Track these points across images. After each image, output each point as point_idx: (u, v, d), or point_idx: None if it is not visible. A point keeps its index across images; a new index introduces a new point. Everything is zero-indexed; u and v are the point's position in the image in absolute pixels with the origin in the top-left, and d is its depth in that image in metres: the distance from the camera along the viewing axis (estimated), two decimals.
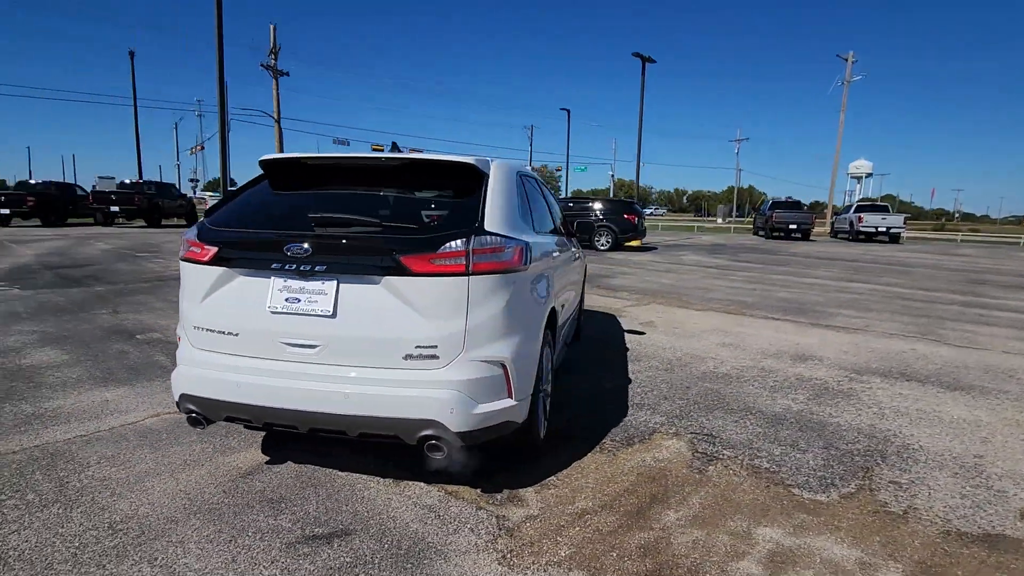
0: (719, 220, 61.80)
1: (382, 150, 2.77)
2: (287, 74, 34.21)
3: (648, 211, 78.43)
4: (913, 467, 2.92)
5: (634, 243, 18.23)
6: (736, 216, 66.11)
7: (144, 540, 2.12)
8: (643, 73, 25.38)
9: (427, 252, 2.18)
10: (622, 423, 3.41)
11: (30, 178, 28.28)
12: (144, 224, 23.43)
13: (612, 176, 66.71)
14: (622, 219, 16.53)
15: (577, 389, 4.02)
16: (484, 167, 2.68)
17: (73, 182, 30.49)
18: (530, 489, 2.61)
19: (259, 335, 2.28)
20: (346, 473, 2.69)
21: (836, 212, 31.47)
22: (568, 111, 43.50)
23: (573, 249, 4.52)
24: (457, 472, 2.64)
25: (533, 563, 2.06)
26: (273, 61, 33.03)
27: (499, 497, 2.53)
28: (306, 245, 2.21)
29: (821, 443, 3.19)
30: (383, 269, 2.18)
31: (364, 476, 2.67)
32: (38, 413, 3.33)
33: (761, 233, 28.37)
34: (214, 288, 2.35)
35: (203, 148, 47.40)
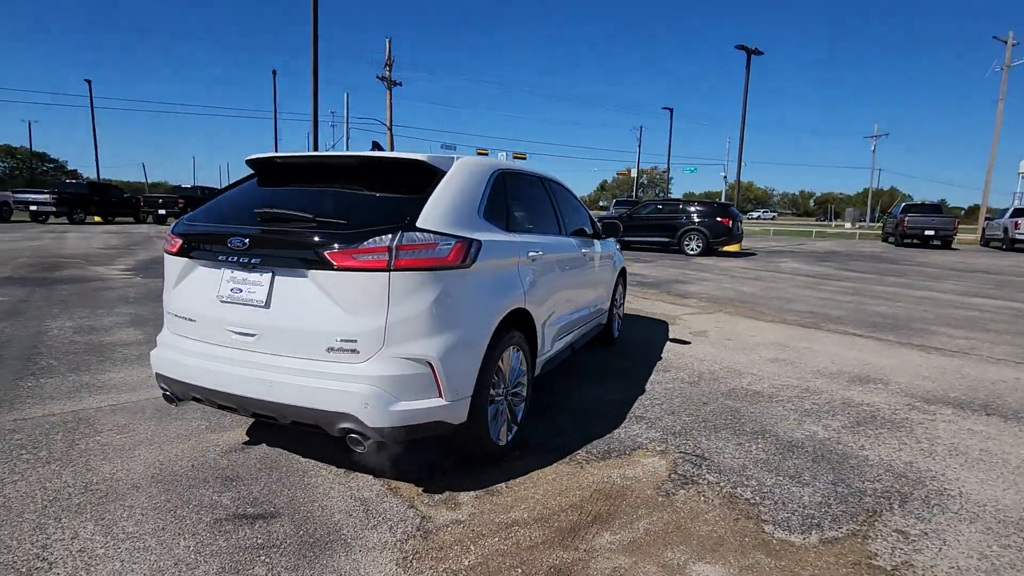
0: (847, 225, 56.04)
1: (381, 148, 2.84)
2: (400, 84, 36.38)
3: (755, 215, 72.38)
4: (936, 516, 2.44)
5: (732, 248, 17.12)
6: (870, 221, 59.40)
7: (103, 501, 2.36)
8: (747, 67, 23.63)
9: (349, 247, 2.20)
10: (608, 435, 3.21)
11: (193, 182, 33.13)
12: None
13: (724, 177, 62.77)
14: (715, 223, 15.56)
15: (578, 397, 3.85)
16: (441, 164, 2.66)
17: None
18: (472, 493, 2.54)
19: (211, 322, 2.45)
20: (307, 459, 2.80)
21: (990, 216, 27.15)
22: (671, 110, 41.75)
23: (593, 251, 4.34)
24: (413, 468, 2.64)
25: (430, 568, 2.01)
26: (388, 73, 35.30)
27: (437, 498, 2.49)
28: (246, 239, 2.34)
29: (831, 477, 2.77)
30: (309, 263, 2.24)
31: (322, 464, 2.76)
32: (90, 383, 3.83)
33: (891, 240, 25.29)
34: (181, 277, 2.56)
35: None
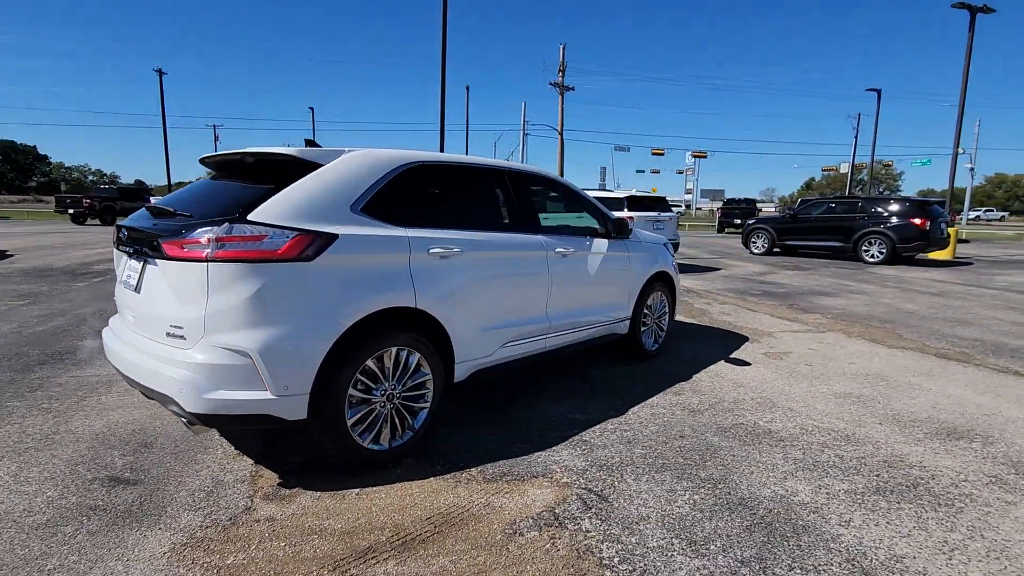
0: None
1: (317, 145, 2.95)
2: (572, 88, 36.81)
3: (972, 215, 55.75)
4: None
5: (937, 254, 13.85)
6: None
7: (41, 448, 2.82)
8: (971, 29, 18.53)
9: (179, 239, 2.30)
10: (524, 457, 2.84)
11: None
12: None
13: (971, 169, 50.70)
14: (905, 224, 12.68)
15: (534, 411, 3.47)
16: (317, 158, 2.63)
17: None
18: (316, 493, 2.46)
19: (120, 306, 2.77)
20: (220, 439, 3.00)
21: None
22: (878, 91, 34.90)
23: (590, 250, 3.90)
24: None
25: (193, 559, 1.99)
26: (560, 78, 35.99)
27: (283, 492, 2.47)
28: (127, 231, 2.59)
29: (747, 555, 2.08)
30: (155, 253, 2.40)
31: (231, 444, 2.93)
32: None
33: None
34: (117, 266, 2.94)
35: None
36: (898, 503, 2.45)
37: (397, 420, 2.76)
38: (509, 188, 3.49)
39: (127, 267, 2.69)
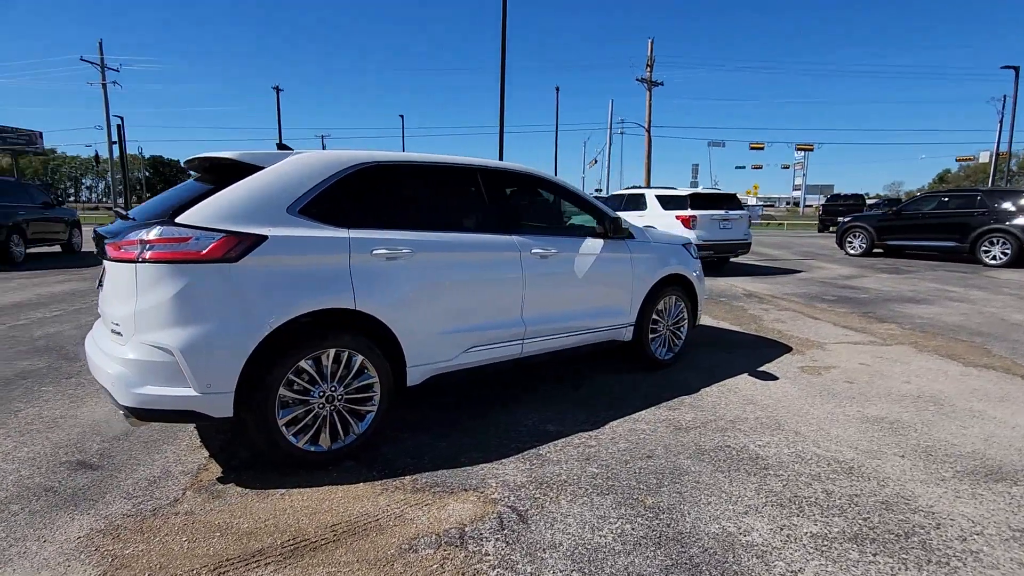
0: None
1: (288, 149, 3.04)
2: (661, 84, 35.56)
3: None
4: None
5: None
6: None
7: (38, 430, 3.12)
8: None
9: (116, 241, 2.43)
10: (464, 468, 2.71)
11: None
12: None
13: None
14: None
15: (502, 420, 3.32)
16: (259, 161, 2.68)
17: None
18: (246, 490, 2.49)
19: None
20: (190, 431, 3.15)
21: None
22: (1016, 69, 29.97)
23: (577, 251, 3.68)
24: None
25: (92, 546, 2.09)
26: (648, 73, 34.85)
27: (216, 487, 2.53)
28: (95, 235, 2.79)
29: None
30: (103, 255, 2.55)
31: (197, 438, 3.08)
32: None
33: None
34: None
35: (596, 163, 53.90)
36: (874, 555, 2.04)
37: (340, 422, 2.75)
38: (481, 187, 3.36)
39: (104, 266, 2.90)
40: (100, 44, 36.58)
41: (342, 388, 2.73)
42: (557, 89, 51.60)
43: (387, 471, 2.69)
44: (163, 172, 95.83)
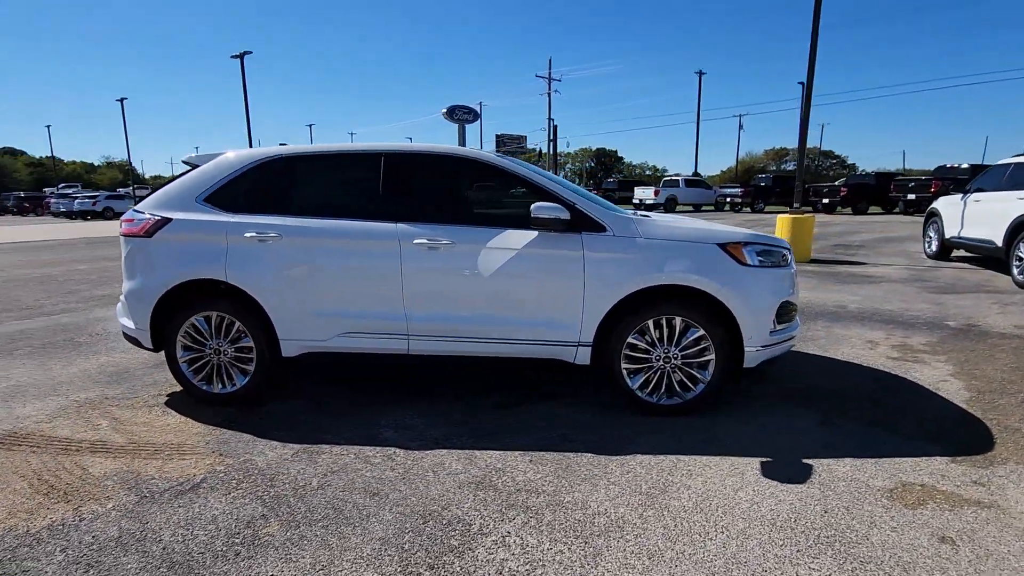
0: None
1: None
2: None
3: None
4: None
5: None
6: None
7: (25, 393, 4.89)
8: None
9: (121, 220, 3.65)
10: (257, 439, 2.95)
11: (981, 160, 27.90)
12: None
13: None
14: None
15: (336, 417, 3.23)
16: (200, 161, 3.51)
17: None
18: (163, 409, 3.45)
19: None
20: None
21: None
22: None
23: (468, 243, 3.18)
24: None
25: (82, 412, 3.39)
26: None
27: (158, 401, 3.58)
28: None
29: None
30: None
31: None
32: None
33: None
34: None
35: None
36: None
37: (228, 373, 3.39)
38: (380, 173, 3.29)
39: None
40: (549, 61, 45.29)
41: (229, 347, 3.35)
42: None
43: (218, 420, 3.18)
44: (604, 162, 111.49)
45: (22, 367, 4.21)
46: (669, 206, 29.17)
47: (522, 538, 2.07)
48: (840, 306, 6.04)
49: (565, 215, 3.05)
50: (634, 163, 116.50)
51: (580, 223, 3.12)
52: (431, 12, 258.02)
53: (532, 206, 3.03)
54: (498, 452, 2.77)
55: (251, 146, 14.70)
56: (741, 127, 60.69)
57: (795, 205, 9.67)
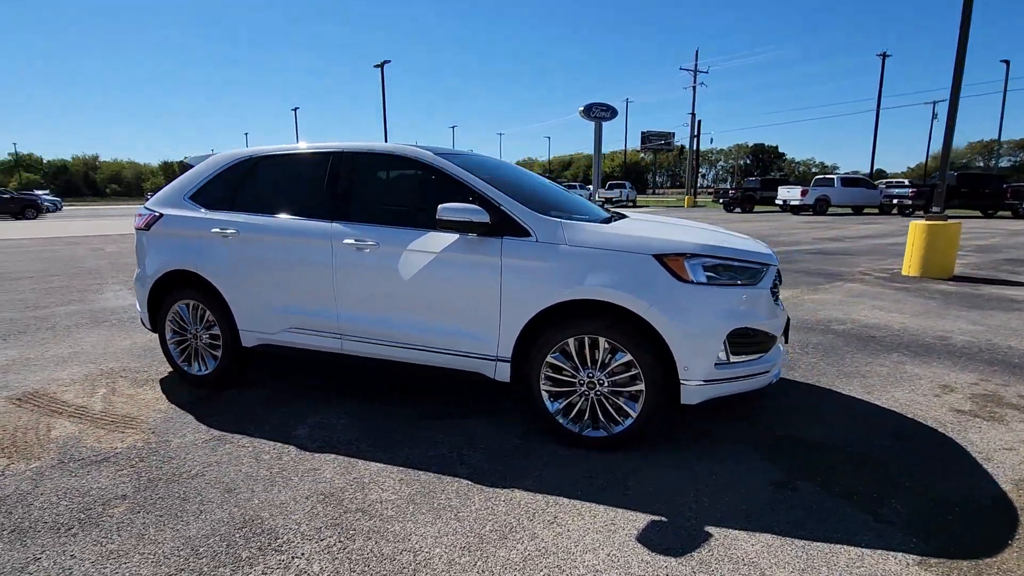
0: None
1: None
2: None
3: None
4: None
5: None
6: None
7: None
8: None
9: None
10: (189, 419, 3.16)
11: None
12: None
13: None
14: None
15: (279, 409, 3.28)
16: (194, 161, 3.83)
17: None
18: (147, 387, 3.87)
19: None
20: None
21: None
22: None
23: (393, 245, 3.06)
24: None
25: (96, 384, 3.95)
26: None
27: (145, 377, 4.02)
28: None
29: None
30: None
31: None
32: None
33: None
34: None
35: None
36: None
37: (203, 356, 3.70)
38: (327, 172, 3.33)
39: None
40: (696, 53, 42.65)
41: (204, 332, 3.65)
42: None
43: (188, 403, 3.46)
44: (761, 158, 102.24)
45: (95, 336, 5.01)
46: (819, 208, 25.85)
47: (310, 563, 1.94)
48: (941, 337, 4.81)
49: (482, 217, 2.80)
50: (796, 159, 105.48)
51: (504, 227, 2.86)
52: (586, 10, 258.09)
53: (439, 207, 2.83)
54: (380, 465, 2.65)
55: None
56: (935, 116, 51.26)
57: (934, 209, 7.89)
